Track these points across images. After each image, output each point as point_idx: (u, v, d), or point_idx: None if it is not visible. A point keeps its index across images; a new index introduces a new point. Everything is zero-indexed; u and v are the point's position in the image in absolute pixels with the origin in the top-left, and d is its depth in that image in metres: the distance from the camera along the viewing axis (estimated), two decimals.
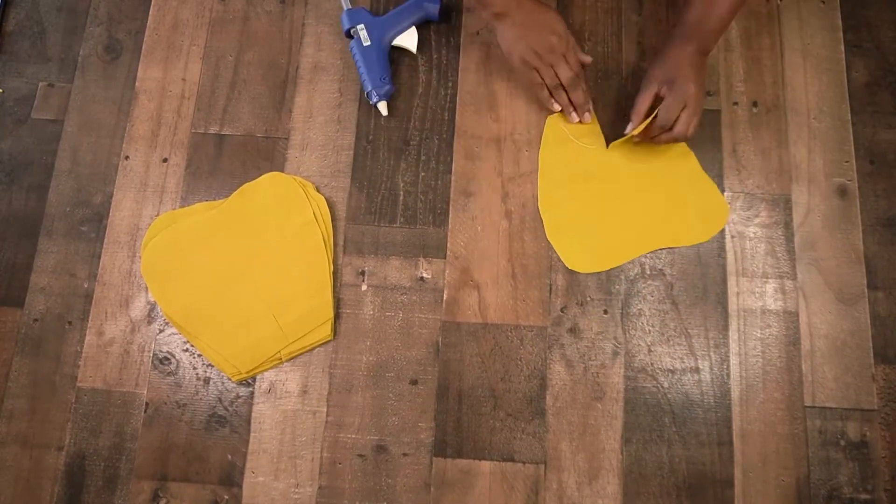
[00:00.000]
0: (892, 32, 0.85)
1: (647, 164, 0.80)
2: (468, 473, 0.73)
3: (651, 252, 0.78)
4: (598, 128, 0.82)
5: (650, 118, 0.74)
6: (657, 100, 0.74)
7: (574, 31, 0.85)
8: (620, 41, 0.85)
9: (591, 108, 0.81)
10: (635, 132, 0.75)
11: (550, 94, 0.79)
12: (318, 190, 0.81)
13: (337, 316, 0.77)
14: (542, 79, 0.77)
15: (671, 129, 0.74)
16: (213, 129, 0.83)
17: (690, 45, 0.74)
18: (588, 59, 0.78)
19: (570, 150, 0.81)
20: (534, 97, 0.81)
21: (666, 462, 0.73)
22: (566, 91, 0.78)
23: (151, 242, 0.78)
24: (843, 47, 0.85)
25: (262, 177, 0.81)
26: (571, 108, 0.80)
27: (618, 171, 0.80)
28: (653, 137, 0.76)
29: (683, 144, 0.81)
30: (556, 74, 0.77)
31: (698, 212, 0.79)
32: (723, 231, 0.79)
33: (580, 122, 0.81)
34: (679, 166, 0.80)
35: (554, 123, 0.82)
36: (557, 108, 0.80)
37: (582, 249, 0.78)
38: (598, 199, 0.79)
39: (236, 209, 0.80)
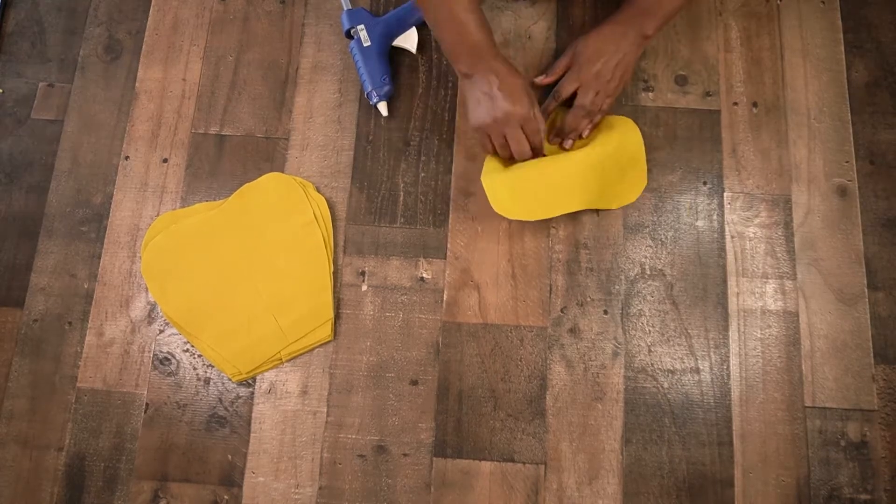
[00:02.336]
0: (892, 32, 0.85)
1: (594, 134, 0.80)
2: (468, 474, 0.73)
3: (651, 252, 0.78)
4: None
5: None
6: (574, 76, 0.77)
7: (574, 31, 0.85)
8: None
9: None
10: (542, 81, 0.80)
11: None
12: (318, 190, 0.81)
13: (337, 316, 0.77)
14: (494, 147, 0.76)
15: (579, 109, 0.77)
16: (213, 130, 0.83)
17: (628, 27, 0.75)
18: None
19: None
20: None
21: (666, 462, 0.73)
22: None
23: (151, 242, 0.78)
24: (843, 47, 0.85)
25: (263, 177, 0.81)
26: None
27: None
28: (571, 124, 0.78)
29: (632, 122, 0.81)
30: (509, 146, 0.74)
31: (624, 178, 0.79)
32: (723, 231, 0.79)
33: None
34: (624, 139, 0.80)
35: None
36: None
37: (511, 197, 0.75)
38: (540, 164, 0.76)
39: (236, 209, 0.80)
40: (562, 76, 0.79)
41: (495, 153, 0.77)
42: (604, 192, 0.78)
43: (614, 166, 0.78)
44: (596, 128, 0.80)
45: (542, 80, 0.81)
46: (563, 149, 0.79)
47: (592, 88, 0.76)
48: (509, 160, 0.76)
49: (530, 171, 0.75)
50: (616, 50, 0.75)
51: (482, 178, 0.76)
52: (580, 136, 0.79)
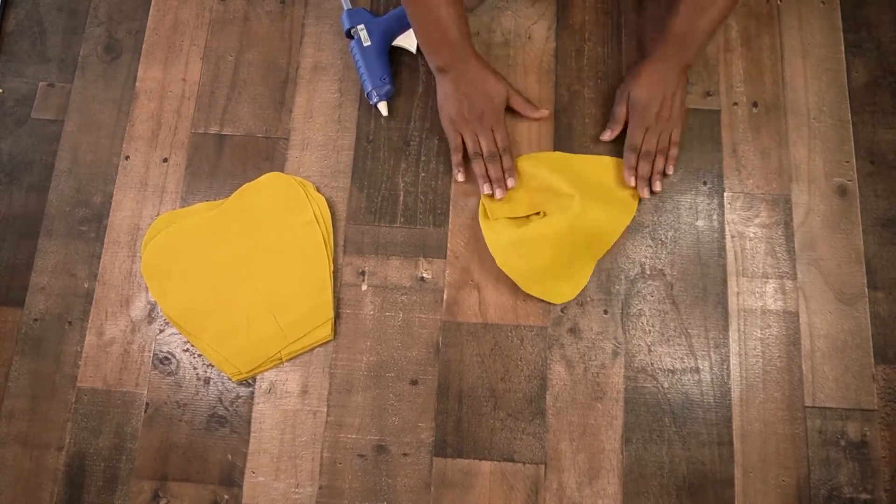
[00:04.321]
0: (892, 32, 0.85)
1: (574, 183, 0.78)
2: (468, 473, 0.73)
3: (651, 252, 0.78)
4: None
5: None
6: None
7: (574, 31, 0.85)
8: (620, 41, 0.85)
9: (511, 183, 0.77)
10: (607, 138, 0.80)
11: (462, 161, 0.78)
12: (318, 190, 0.81)
13: (337, 316, 0.77)
14: (465, 143, 0.77)
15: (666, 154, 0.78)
16: (213, 129, 0.83)
17: (671, 62, 0.75)
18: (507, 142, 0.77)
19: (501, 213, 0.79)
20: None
21: (666, 462, 0.73)
22: (484, 162, 0.77)
23: (152, 242, 0.78)
24: (843, 47, 0.85)
25: (263, 177, 0.81)
26: (486, 180, 0.77)
27: (554, 204, 0.78)
28: (649, 175, 0.78)
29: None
30: (479, 143, 0.76)
31: (616, 204, 0.79)
32: (723, 231, 0.79)
33: (492, 195, 0.77)
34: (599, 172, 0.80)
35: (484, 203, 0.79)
36: (462, 178, 0.78)
37: (553, 287, 0.76)
38: (544, 237, 0.75)
39: (236, 209, 0.80)
40: (623, 126, 0.79)
41: (464, 148, 0.78)
42: (607, 232, 0.78)
43: (604, 205, 0.78)
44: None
45: (606, 136, 0.80)
46: (653, 193, 0.78)
47: (657, 131, 0.77)
48: (474, 157, 0.77)
49: (551, 262, 0.75)
50: (666, 87, 0.76)
51: (483, 231, 0.77)
52: (665, 175, 0.79)
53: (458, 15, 0.72)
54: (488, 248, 0.76)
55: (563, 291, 0.77)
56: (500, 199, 0.78)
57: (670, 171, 0.79)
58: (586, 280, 0.77)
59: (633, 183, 0.78)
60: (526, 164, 0.79)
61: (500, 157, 0.77)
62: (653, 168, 0.78)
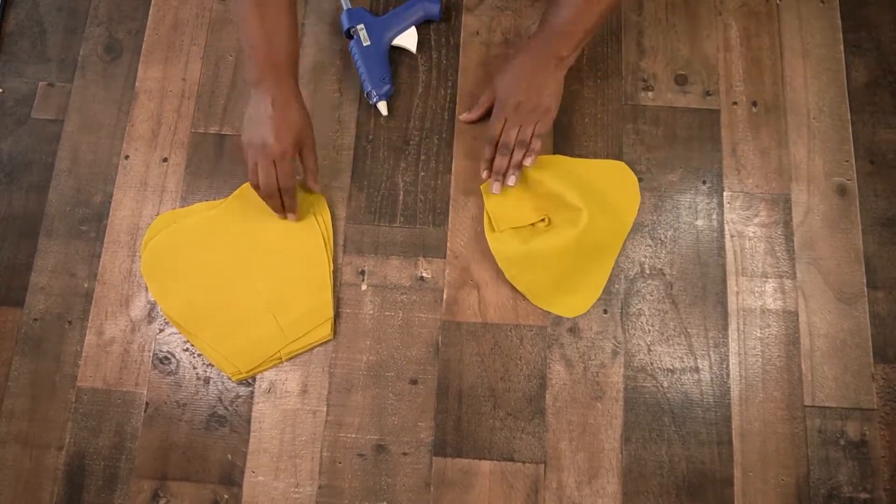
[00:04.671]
0: (892, 32, 0.85)
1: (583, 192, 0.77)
2: (468, 473, 0.73)
3: (651, 251, 0.78)
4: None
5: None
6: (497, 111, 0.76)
7: None
8: (620, 41, 0.85)
9: (291, 218, 0.76)
10: (466, 118, 0.81)
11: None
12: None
13: (337, 315, 0.77)
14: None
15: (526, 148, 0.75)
16: (213, 129, 0.83)
17: (540, 53, 0.72)
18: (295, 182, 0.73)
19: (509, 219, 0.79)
20: None
21: (665, 461, 0.73)
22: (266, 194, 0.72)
23: (151, 242, 0.78)
24: (842, 47, 0.85)
25: None
26: (282, 212, 0.75)
27: (560, 207, 0.77)
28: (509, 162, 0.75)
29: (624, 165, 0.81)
30: (257, 173, 0.70)
31: (619, 200, 0.79)
32: (722, 230, 0.79)
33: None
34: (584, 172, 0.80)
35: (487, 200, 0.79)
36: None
37: (565, 301, 0.76)
38: (553, 251, 0.74)
39: (237, 209, 0.80)
40: (485, 112, 0.79)
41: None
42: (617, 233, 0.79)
43: (605, 209, 0.78)
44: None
45: (466, 117, 0.81)
46: (508, 186, 0.75)
47: (515, 123, 0.74)
48: (255, 189, 0.72)
49: (564, 273, 0.76)
50: (532, 80, 0.73)
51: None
52: (520, 168, 0.75)
53: (289, 25, 0.67)
54: (496, 262, 0.76)
55: (574, 305, 0.76)
56: (495, 193, 0.76)
57: (528, 162, 0.74)
58: (599, 293, 0.76)
59: (485, 176, 0.77)
60: (530, 168, 0.77)
61: (281, 194, 0.72)
62: (510, 161, 0.75)
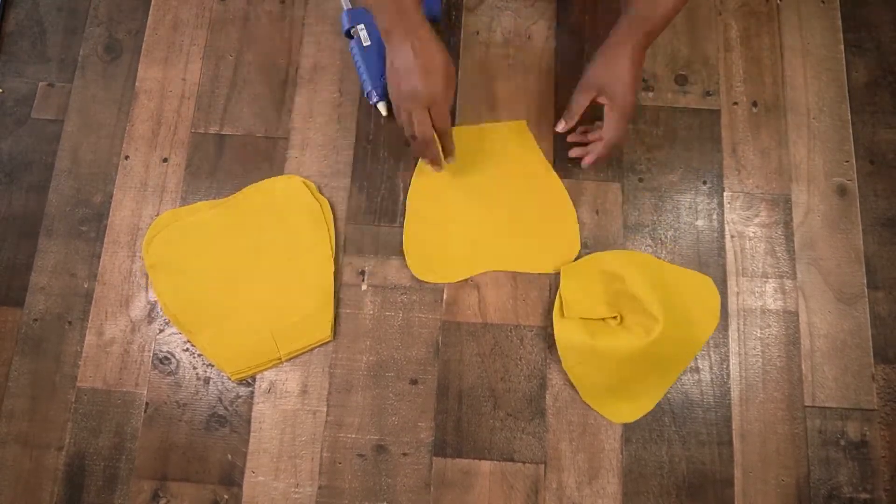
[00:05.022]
0: (892, 32, 0.85)
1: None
2: (468, 473, 0.73)
3: (651, 251, 0.78)
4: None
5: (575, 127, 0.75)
6: (593, 104, 0.71)
7: (574, 31, 0.85)
8: None
9: (450, 161, 0.75)
10: (563, 128, 0.74)
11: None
12: (320, 191, 0.81)
13: (337, 316, 0.77)
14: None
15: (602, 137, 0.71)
16: (213, 129, 0.83)
17: (630, 45, 0.68)
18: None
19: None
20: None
21: (666, 462, 0.73)
22: (416, 143, 0.71)
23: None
24: (843, 47, 0.85)
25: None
26: (427, 161, 0.74)
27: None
28: (585, 146, 0.74)
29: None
30: (412, 122, 0.69)
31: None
32: (723, 231, 0.79)
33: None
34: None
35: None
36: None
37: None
38: (617, 354, 0.72)
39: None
40: (581, 117, 0.73)
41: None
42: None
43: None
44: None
45: (562, 127, 0.74)
46: (582, 165, 0.74)
47: (626, 117, 0.71)
48: (409, 137, 0.70)
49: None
50: (624, 60, 0.69)
51: (556, 329, 0.74)
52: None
53: None
54: (557, 347, 0.74)
55: (624, 412, 0.73)
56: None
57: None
58: (652, 405, 0.73)
59: (566, 130, 0.75)
60: (615, 261, 0.76)
61: (439, 137, 0.71)
62: (605, 155, 0.73)
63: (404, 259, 0.78)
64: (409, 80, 0.67)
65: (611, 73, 0.69)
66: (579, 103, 0.72)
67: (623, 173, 0.81)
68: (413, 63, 0.67)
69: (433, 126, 0.69)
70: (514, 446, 0.73)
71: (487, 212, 0.78)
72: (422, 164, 0.80)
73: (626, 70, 0.68)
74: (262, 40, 0.86)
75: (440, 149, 0.73)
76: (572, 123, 0.74)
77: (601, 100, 0.70)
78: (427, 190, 0.80)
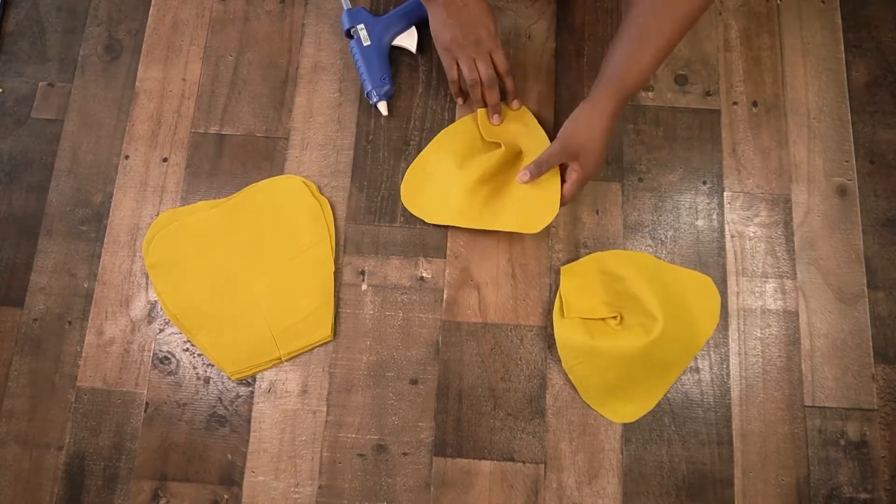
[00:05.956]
0: (892, 32, 0.85)
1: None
2: (468, 473, 0.73)
3: (651, 251, 0.78)
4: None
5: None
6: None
7: (574, 31, 0.85)
8: None
9: (515, 106, 0.81)
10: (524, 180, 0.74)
11: (461, 89, 0.80)
12: (320, 191, 0.81)
13: (337, 316, 0.77)
14: (462, 70, 0.76)
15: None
16: (213, 129, 0.83)
17: (609, 110, 0.69)
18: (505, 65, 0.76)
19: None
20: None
21: (666, 462, 0.73)
22: (483, 88, 0.77)
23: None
24: (843, 47, 0.85)
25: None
26: (482, 104, 0.79)
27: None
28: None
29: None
30: (477, 69, 0.75)
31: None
32: (723, 231, 0.79)
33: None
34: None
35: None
36: (461, 101, 0.82)
37: (615, 406, 0.74)
38: (617, 354, 0.72)
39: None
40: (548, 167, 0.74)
41: (460, 77, 0.77)
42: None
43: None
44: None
45: (528, 179, 0.74)
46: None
47: (587, 181, 0.74)
48: (472, 84, 0.76)
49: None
50: (601, 126, 0.69)
51: (556, 329, 0.74)
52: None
53: None
54: (556, 347, 0.74)
55: (624, 412, 0.73)
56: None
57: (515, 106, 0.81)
58: (652, 405, 0.73)
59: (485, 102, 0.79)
60: (615, 261, 0.76)
61: (501, 80, 0.77)
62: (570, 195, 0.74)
63: (404, 258, 0.78)
64: (467, 29, 0.73)
65: (587, 137, 0.70)
66: (550, 164, 0.73)
67: (623, 173, 0.81)
68: (466, 13, 0.72)
69: (496, 70, 0.75)
70: (514, 446, 0.73)
71: (486, 173, 0.77)
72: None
73: (600, 137, 0.69)
74: (262, 40, 0.86)
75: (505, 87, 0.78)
76: (537, 177, 0.74)
77: (573, 166, 0.72)
78: (447, 144, 0.81)
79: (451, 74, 0.78)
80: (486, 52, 0.75)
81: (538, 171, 0.73)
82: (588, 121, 0.70)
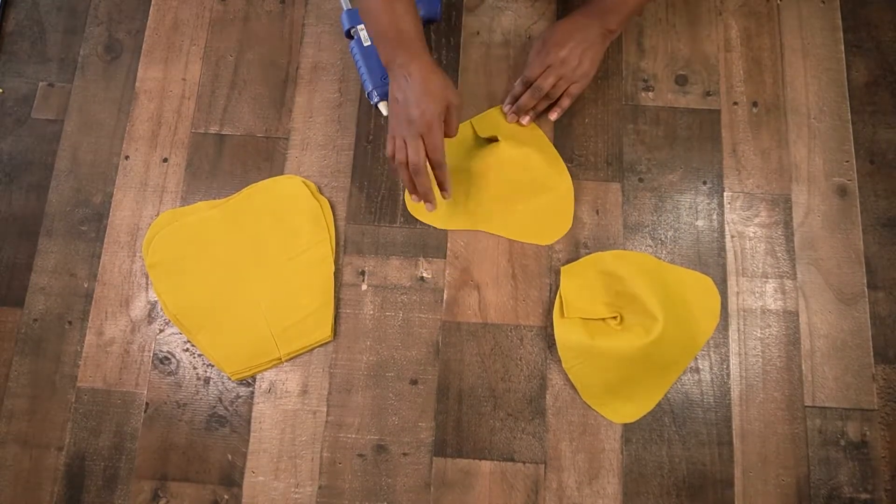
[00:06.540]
0: (892, 32, 0.85)
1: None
2: (468, 473, 0.73)
3: (651, 251, 0.78)
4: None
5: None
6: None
7: None
8: (620, 41, 0.85)
9: (445, 196, 0.72)
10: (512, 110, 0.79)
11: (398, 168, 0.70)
12: (320, 191, 0.81)
13: (337, 316, 0.77)
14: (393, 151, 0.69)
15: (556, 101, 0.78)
16: (213, 129, 0.83)
17: (594, 20, 0.75)
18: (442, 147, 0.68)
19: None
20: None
21: (666, 462, 0.73)
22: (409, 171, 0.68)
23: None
24: (843, 47, 0.85)
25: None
26: (414, 189, 0.70)
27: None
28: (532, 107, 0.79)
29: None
30: (406, 149, 0.67)
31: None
32: (723, 231, 0.79)
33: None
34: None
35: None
36: (414, 199, 0.72)
37: (615, 406, 0.74)
38: (617, 354, 0.72)
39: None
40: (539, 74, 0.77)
41: (394, 158, 0.69)
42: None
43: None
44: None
45: (511, 106, 0.80)
46: (520, 124, 0.80)
47: (556, 72, 0.76)
48: (399, 165, 0.68)
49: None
50: (583, 39, 0.75)
51: (556, 329, 0.74)
52: (538, 115, 0.81)
53: (407, 6, 0.68)
54: (556, 347, 0.74)
55: (624, 412, 0.73)
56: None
57: (553, 116, 0.80)
58: (652, 405, 0.73)
59: (507, 109, 0.80)
60: (614, 261, 0.76)
61: (433, 169, 0.69)
62: (534, 106, 0.79)
63: (404, 259, 0.78)
64: (406, 106, 0.66)
65: (556, 31, 0.76)
66: (534, 71, 0.77)
67: (623, 173, 0.81)
68: (409, 90, 0.66)
69: (426, 156, 0.67)
70: (514, 446, 0.73)
71: (496, 177, 0.78)
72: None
73: (584, 40, 0.75)
74: (262, 40, 0.86)
75: (433, 182, 0.70)
76: (524, 91, 0.79)
77: (553, 62, 0.75)
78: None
79: (387, 150, 0.70)
80: (417, 135, 0.66)
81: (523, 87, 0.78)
82: (568, 23, 0.76)
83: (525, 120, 0.80)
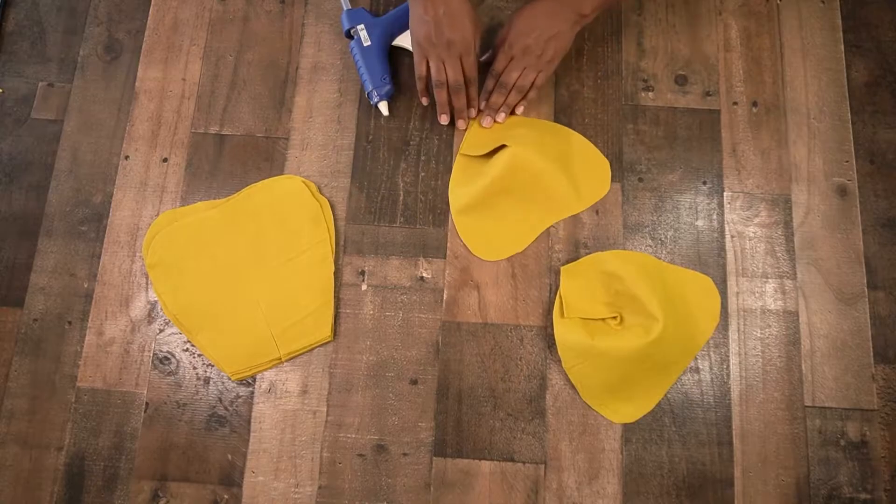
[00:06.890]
0: (892, 32, 0.85)
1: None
2: (468, 473, 0.73)
3: (651, 251, 0.78)
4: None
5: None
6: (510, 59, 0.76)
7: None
8: (620, 41, 0.85)
9: (472, 114, 0.80)
10: (485, 58, 0.79)
11: (426, 88, 0.78)
12: (320, 191, 0.81)
13: (337, 316, 0.77)
14: (430, 70, 0.75)
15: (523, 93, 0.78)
16: (213, 129, 0.83)
17: (565, 4, 0.73)
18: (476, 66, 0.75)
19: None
20: None
21: (666, 462, 0.73)
22: (449, 91, 0.76)
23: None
24: (843, 47, 0.85)
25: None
26: (445, 110, 0.79)
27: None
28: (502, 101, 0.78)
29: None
30: (444, 70, 0.74)
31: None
32: (723, 231, 0.79)
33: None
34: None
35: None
36: (425, 101, 0.81)
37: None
38: (617, 355, 0.72)
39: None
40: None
41: (427, 76, 0.76)
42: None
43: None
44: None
45: (485, 57, 0.81)
46: (496, 121, 0.80)
47: (521, 63, 0.75)
48: (438, 85, 0.75)
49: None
50: (549, 25, 0.73)
51: (556, 328, 0.74)
52: (513, 112, 0.81)
53: None
54: (556, 347, 0.74)
55: (624, 412, 0.73)
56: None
57: (519, 110, 0.80)
58: (652, 405, 0.74)
59: (481, 106, 0.80)
60: (615, 261, 0.75)
61: (466, 87, 0.76)
62: (504, 101, 0.78)
63: (404, 259, 0.78)
64: (440, 28, 0.70)
65: (520, 18, 0.74)
66: (498, 39, 0.77)
67: (623, 173, 0.81)
68: (443, 12, 0.70)
69: (463, 74, 0.74)
70: (514, 446, 0.73)
71: (524, 176, 0.77)
72: (462, 154, 0.80)
73: (536, 21, 0.73)
74: (262, 40, 0.86)
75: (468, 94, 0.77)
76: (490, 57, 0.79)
77: (516, 51, 0.74)
78: (465, 175, 0.80)
79: (419, 71, 0.76)
80: (457, 56, 0.72)
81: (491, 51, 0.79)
82: (534, 8, 0.73)
83: (500, 117, 0.80)
